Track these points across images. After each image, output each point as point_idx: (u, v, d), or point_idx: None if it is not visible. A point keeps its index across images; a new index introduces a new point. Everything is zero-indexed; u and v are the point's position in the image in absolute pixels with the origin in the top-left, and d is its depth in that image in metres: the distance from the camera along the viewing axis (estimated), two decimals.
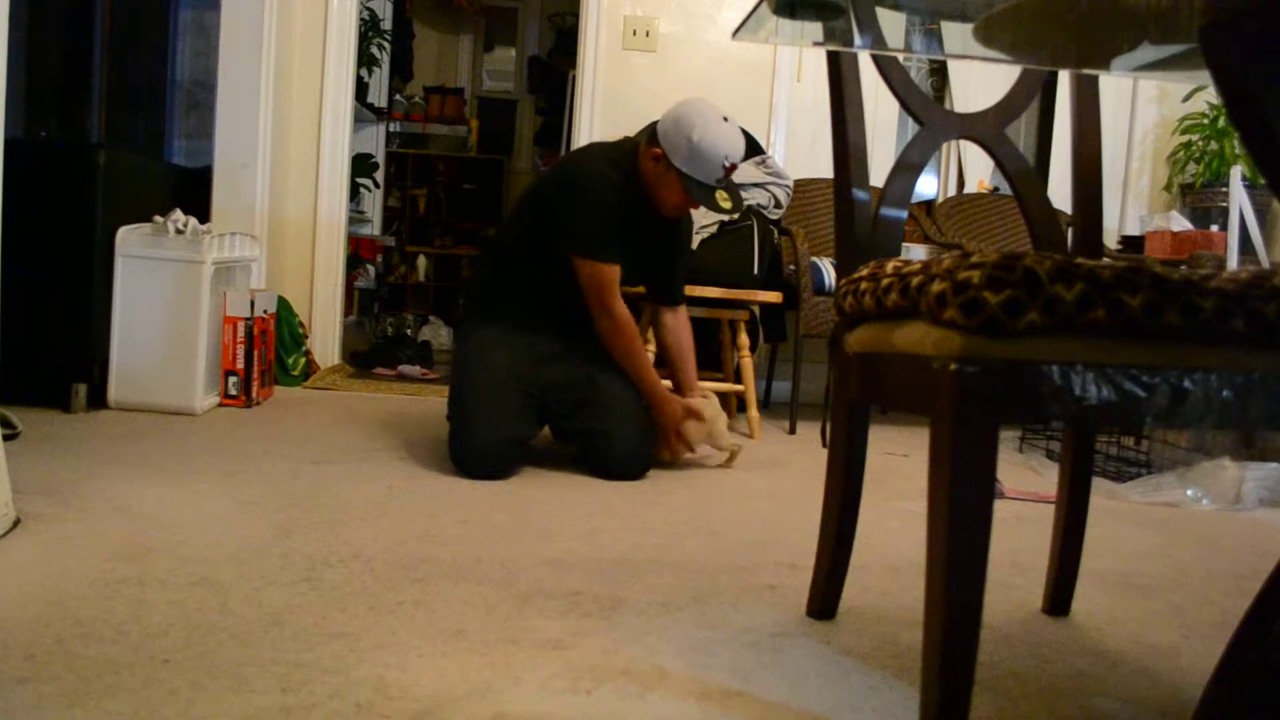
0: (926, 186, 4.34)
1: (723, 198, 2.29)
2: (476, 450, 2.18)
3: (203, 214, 3.20)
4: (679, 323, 2.56)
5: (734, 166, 2.27)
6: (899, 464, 2.70)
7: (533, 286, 2.39)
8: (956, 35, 1.15)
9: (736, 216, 2.52)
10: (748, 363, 3.03)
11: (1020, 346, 0.91)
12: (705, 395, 2.44)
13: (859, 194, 1.35)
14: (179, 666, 1.09)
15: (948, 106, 4.00)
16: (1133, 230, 3.97)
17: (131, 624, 1.20)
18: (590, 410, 2.27)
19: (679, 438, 2.36)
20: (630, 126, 3.62)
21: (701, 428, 2.38)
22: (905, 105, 1.39)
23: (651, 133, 2.33)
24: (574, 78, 4.01)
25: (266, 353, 3.07)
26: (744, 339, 3.05)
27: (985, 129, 1.42)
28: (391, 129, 6.10)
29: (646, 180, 2.31)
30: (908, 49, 1.27)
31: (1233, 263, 3.07)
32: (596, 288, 2.29)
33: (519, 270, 2.41)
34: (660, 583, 1.52)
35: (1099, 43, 1.11)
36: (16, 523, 1.57)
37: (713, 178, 2.25)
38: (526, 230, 2.41)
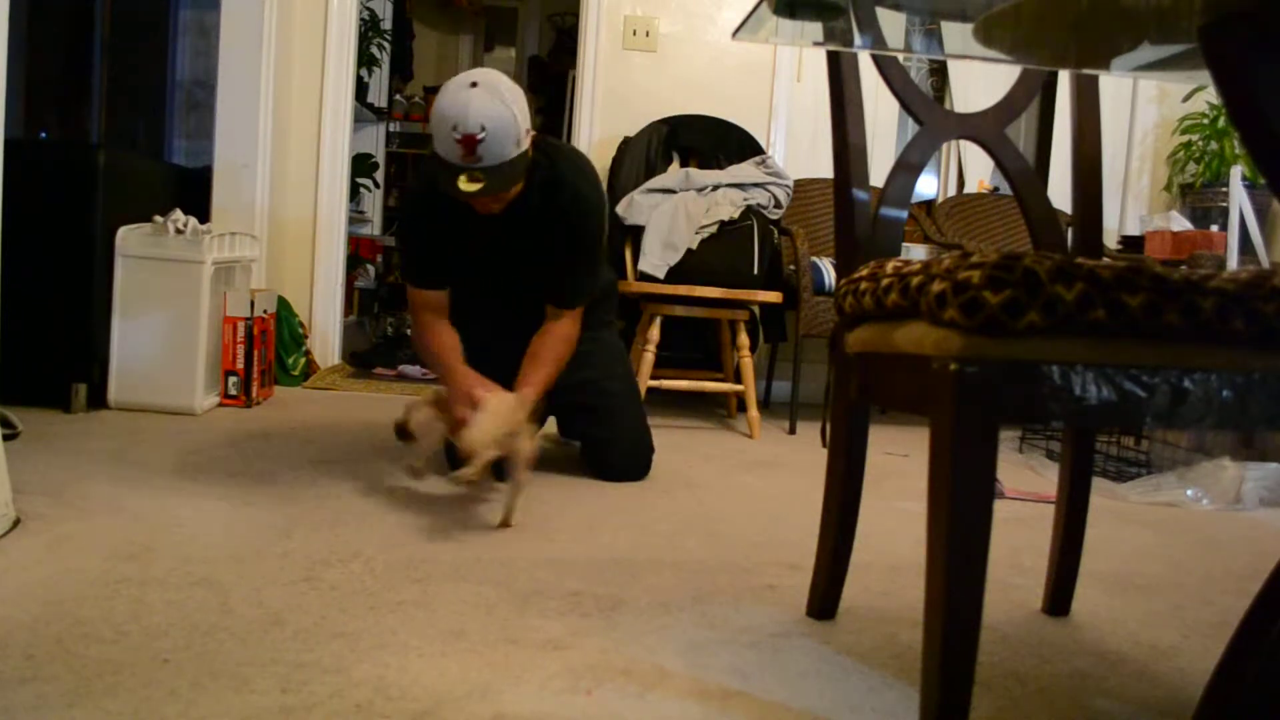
0: (926, 186, 4.34)
1: (468, 180, 1.88)
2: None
3: (203, 214, 3.20)
4: (554, 326, 2.14)
5: (469, 136, 1.84)
6: (899, 464, 2.70)
7: (462, 301, 2.22)
8: (956, 35, 1.15)
9: (476, 189, 1.91)
10: (747, 363, 3.03)
11: (1020, 346, 0.91)
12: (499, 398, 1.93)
13: (859, 194, 1.35)
14: (179, 666, 1.09)
15: (948, 106, 4.00)
16: (1133, 230, 3.97)
17: (131, 624, 1.20)
18: (592, 416, 2.27)
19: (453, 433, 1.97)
20: (630, 127, 3.63)
21: (480, 427, 1.82)
22: (905, 105, 1.39)
23: None
24: (574, 78, 4.01)
25: (266, 353, 3.07)
26: (744, 339, 3.05)
27: (985, 129, 1.42)
28: (391, 129, 6.09)
29: None
30: (908, 49, 1.27)
31: (1233, 263, 3.07)
32: (410, 309, 2.19)
33: (461, 298, 2.24)
34: (660, 583, 1.52)
35: (1099, 43, 1.11)
36: (16, 523, 1.57)
37: (454, 155, 1.87)
38: None
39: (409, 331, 5.31)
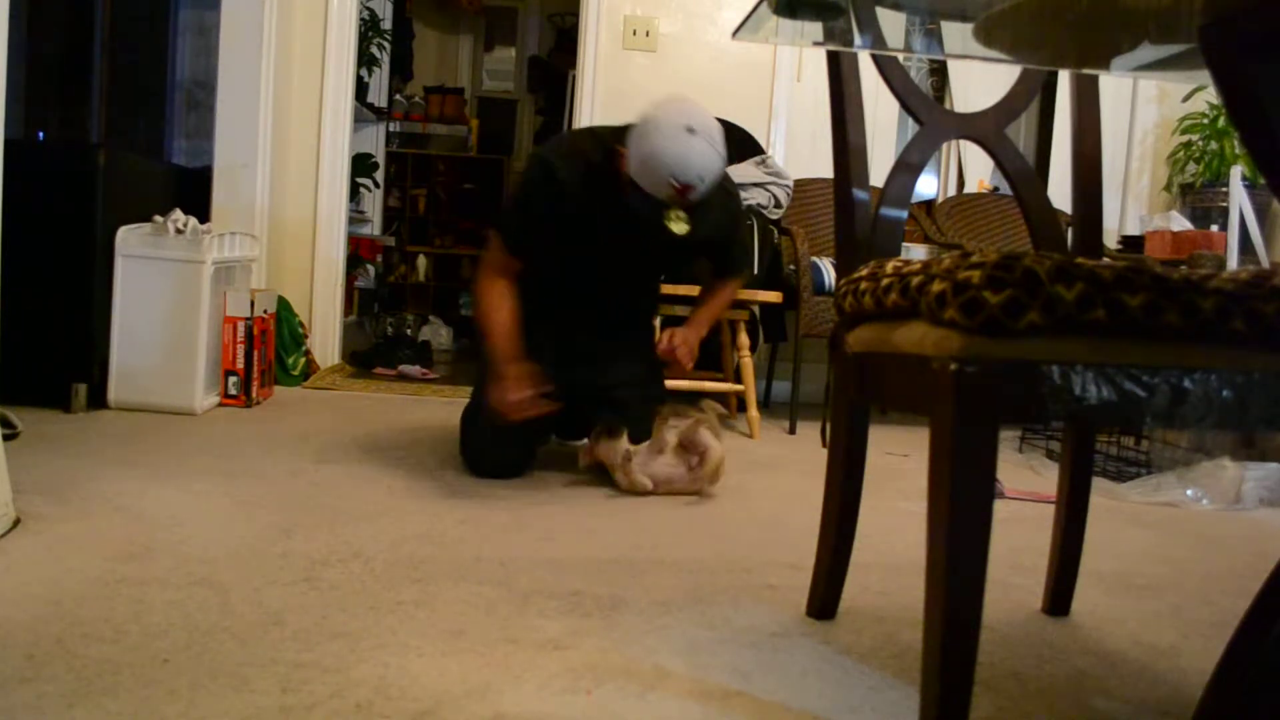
0: (926, 186, 4.34)
1: (674, 218, 2.03)
2: (490, 455, 2.19)
3: (203, 214, 3.20)
4: (723, 284, 2.48)
5: (687, 186, 1.98)
6: (899, 464, 2.70)
7: (532, 277, 2.31)
8: (956, 35, 1.15)
9: (685, 231, 2.07)
10: (747, 363, 3.03)
11: (1020, 346, 0.91)
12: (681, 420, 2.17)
13: (859, 194, 1.35)
14: (179, 666, 1.09)
15: (948, 106, 4.00)
16: (1133, 230, 3.97)
17: (131, 624, 1.20)
18: (603, 415, 2.27)
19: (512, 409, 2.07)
20: None
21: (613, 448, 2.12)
22: (905, 105, 1.39)
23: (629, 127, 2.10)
24: (574, 78, 4.01)
25: (266, 353, 3.07)
26: (744, 339, 3.05)
27: (985, 129, 1.42)
28: (391, 129, 6.09)
29: (623, 176, 2.07)
30: (908, 49, 1.27)
31: (1233, 263, 3.07)
32: (482, 261, 2.24)
33: (540, 274, 2.31)
34: (660, 583, 1.52)
35: (1099, 43, 1.11)
36: (16, 523, 1.57)
37: (663, 195, 2.00)
38: None
39: (409, 331, 5.33)
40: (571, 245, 2.23)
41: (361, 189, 5.20)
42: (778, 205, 3.19)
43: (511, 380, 2.06)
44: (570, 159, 2.17)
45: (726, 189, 2.28)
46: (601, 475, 2.23)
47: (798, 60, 3.85)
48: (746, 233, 2.55)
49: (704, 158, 1.97)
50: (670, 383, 2.99)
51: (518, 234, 2.21)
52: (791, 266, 3.25)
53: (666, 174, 1.96)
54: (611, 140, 2.13)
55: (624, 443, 2.13)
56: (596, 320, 2.34)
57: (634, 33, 3.77)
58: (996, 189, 4.18)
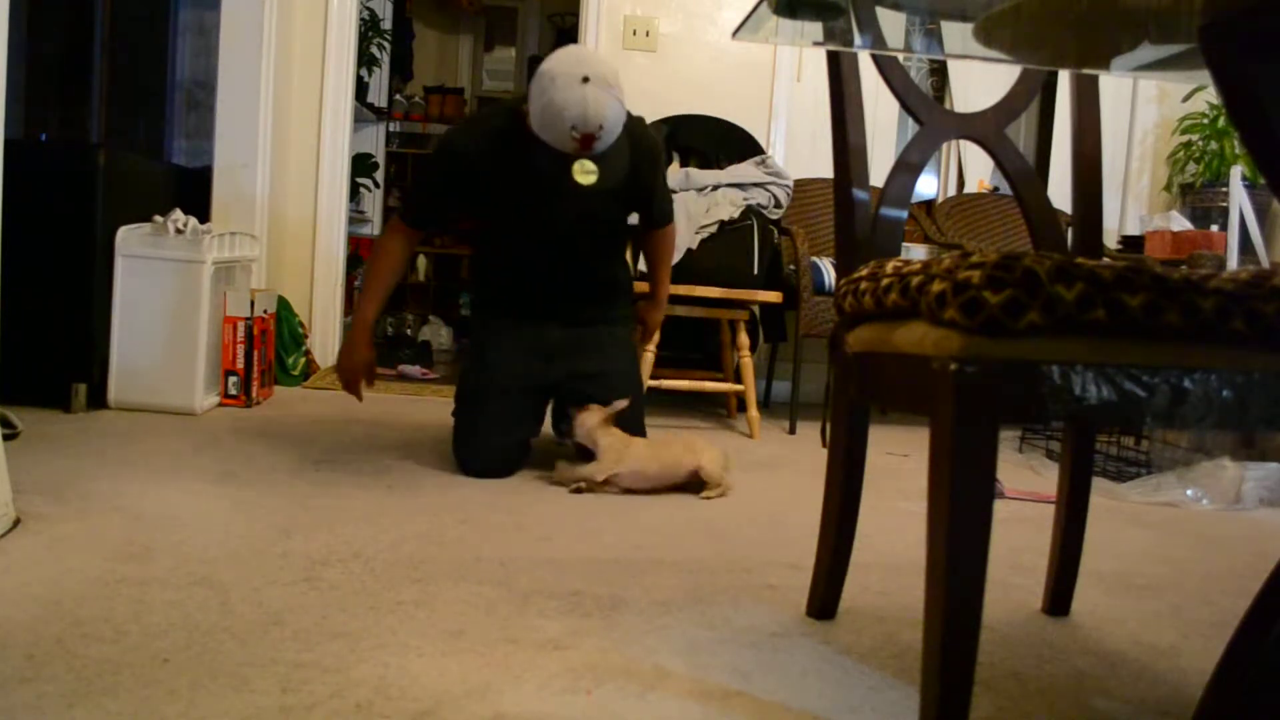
0: (926, 186, 4.34)
1: (581, 170, 2.08)
2: (481, 451, 2.20)
3: (203, 214, 3.20)
4: (659, 236, 2.53)
5: (589, 136, 1.98)
6: (899, 464, 2.70)
7: (509, 267, 2.36)
8: (956, 35, 1.15)
9: (593, 180, 2.11)
10: (747, 363, 3.03)
11: (1020, 346, 0.91)
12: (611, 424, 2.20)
13: (859, 194, 1.35)
14: (179, 666, 1.09)
15: (948, 106, 4.00)
16: (1133, 230, 3.97)
17: (131, 624, 1.20)
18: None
19: None
20: None
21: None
22: (905, 105, 1.39)
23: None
24: None
25: (266, 353, 3.06)
26: (744, 339, 3.05)
27: (985, 129, 1.42)
28: (391, 129, 6.09)
29: (529, 134, 2.09)
30: (908, 49, 1.27)
31: (1233, 263, 3.07)
32: (386, 227, 2.47)
33: (494, 256, 2.41)
34: (660, 583, 1.52)
35: (1099, 43, 1.11)
36: (16, 523, 1.57)
37: (567, 147, 2.01)
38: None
39: (409, 331, 5.33)
40: (501, 213, 2.28)
41: (361, 189, 5.20)
42: (778, 205, 3.19)
43: (350, 352, 2.28)
44: (469, 131, 2.28)
45: (633, 130, 2.24)
46: None
47: (798, 60, 3.85)
48: (664, 175, 2.54)
49: (602, 105, 1.96)
50: (670, 383, 3.01)
51: (415, 209, 2.37)
52: (791, 266, 3.25)
53: (567, 126, 1.96)
54: (516, 104, 2.17)
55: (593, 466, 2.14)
56: (563, 301, 2.34)
57: (634, 33, 3.77)
58: (996, 189, 4.18)
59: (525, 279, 2.35)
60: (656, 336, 2.66)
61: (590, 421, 2.18)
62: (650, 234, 2.53)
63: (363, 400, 2.38)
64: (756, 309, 3.24)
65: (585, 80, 1.95)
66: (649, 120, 3.52)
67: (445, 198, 2.30)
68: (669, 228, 2.56)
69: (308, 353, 3.60)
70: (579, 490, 2.10)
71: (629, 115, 2.28)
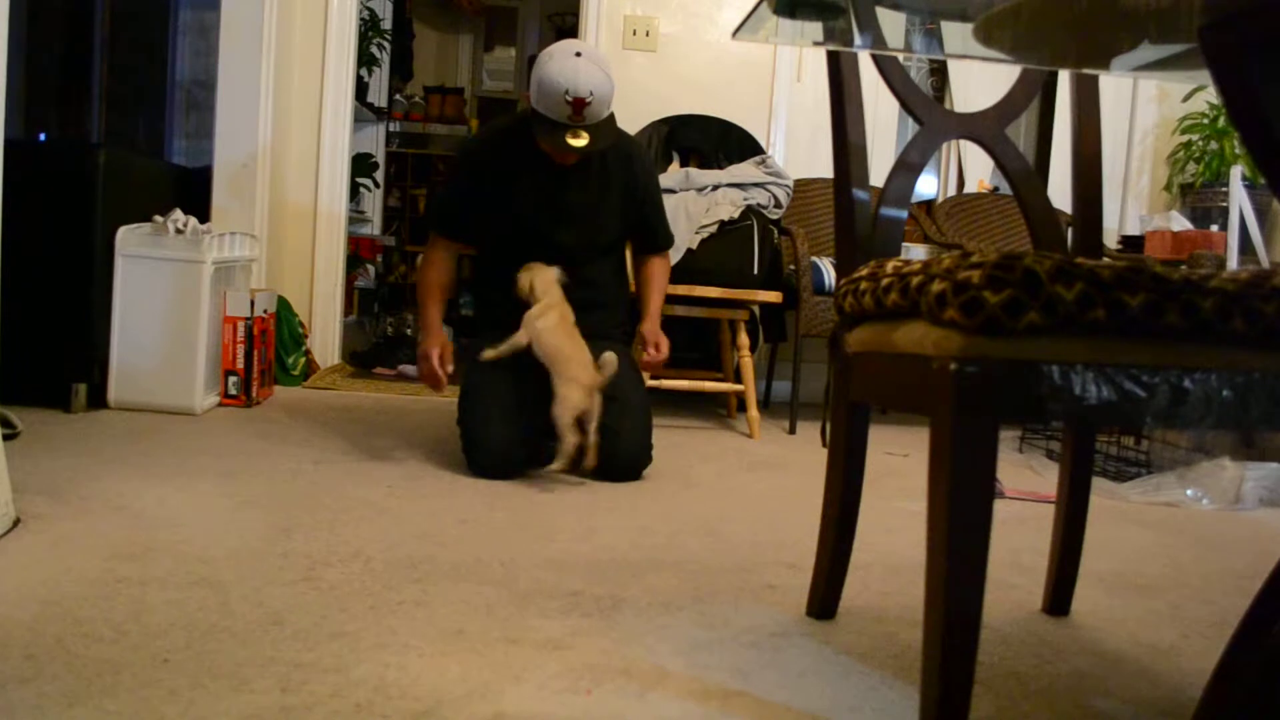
0: (926, 186, 4.34)
1: (574, 136, 2.22)
2: (490, 450, 2.20)
3: (203, 214, 3.20)
4: (654, 262, 2.58)
5: (579, 100, 2.17)
6: (899, 464, 2.70)
7: (510, 279, 2.36)
8: (956, 35, 1.15)
9: (584, 144, 2.23)
10: (747, 362, 3.03)
11: (1020, 346, 0.91)
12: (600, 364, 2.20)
13: (859, 194, 1.35)
14: (179, 666, 1.09)
15: (948, 106, 4.00)
16: (1133, 230, 3.97)
17: (131, 624, 1.20)
18: (604, 410, 2.26)
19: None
20: (630, 126, 3.61)
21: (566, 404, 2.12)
22: (905, 105, 1.39)
23: None
24: None
25: (266, 352, 3.07)
26: (744, 339, 3.05)
27: (985, 129, 1.42)
28: (391, 129, 6.09)
29: (530, 114, 2.29)
30: (908, 49, 1.27)
31: (1233, 263, 3.07)
32: (428, 244, 2.54)
33: (496, 268, 2.41)
34: (660, 583, 1.52)
35: (1099, 43, 1.11)
36: (16, 523, 1.57)
37: (561, 115, 2.20)
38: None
39: (409, 331, 5.33)
40: (521, 211, 2.36)
41: (361, 189, 5.20)
42: (778, 205, 3.19)
43: (425, 354, 2.38)
44: (482, 134, 2.47)
45: (633, 152, 2.48)
46: (602, 475, 2.23)
47: (798, 60, 3.85)
48: (663, 203, 2.64)
49: (593, 75, 2.19)
50: (670, 383, 3.00)
51: (441, 214, 2.51)
52: (791, 266, 3.25)
53: (560, 91, 2.17)
54: (526, 110, 2.34)
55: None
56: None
57: (634, 33, 3.77)
58: (996, 189, 4.18)
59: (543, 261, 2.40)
60: (665, 348, 2.51)
61: (541, 278, 2.25)
62: (647, 260, 2.58)
63: (444, 388, 2.42)
64: (756, 309, 3.23)
65: (578, 55, 2.20)
66: (649, 121, 3.56)
67: (467, 200, 2.40)
68: (666, 256, 2.63)
69: (308, 353, 3.60)
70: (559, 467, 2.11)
71: (629, 138, 2.50)
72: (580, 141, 2.23)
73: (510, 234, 2.38)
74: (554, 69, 2.18)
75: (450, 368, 2.38)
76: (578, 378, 2.14)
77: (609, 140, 2.30)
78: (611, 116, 2.29)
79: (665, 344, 2.49)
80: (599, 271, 2.47)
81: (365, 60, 4.87)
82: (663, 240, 2.61)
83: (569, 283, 2.32)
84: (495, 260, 2.42)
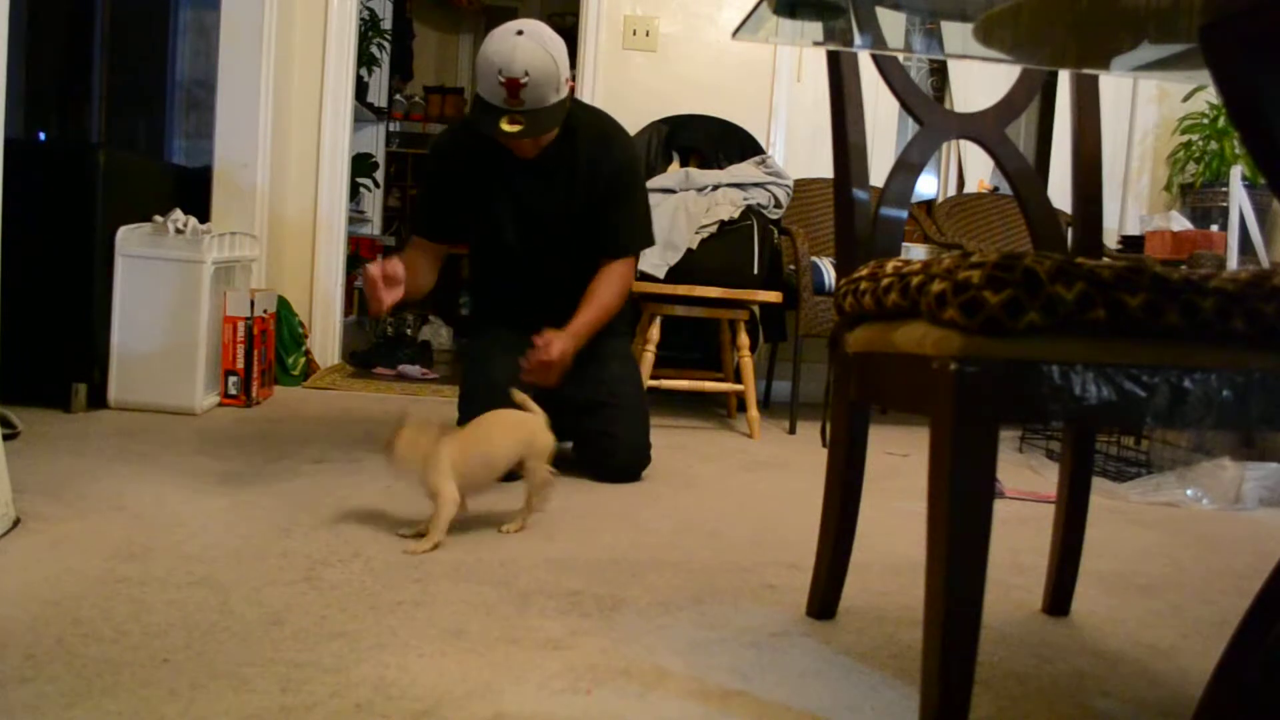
0: (926, 186, 4.34)
1: (507, 122, 2.02)
2: None
3: (203, 214, 3.20)
4: (608, 271, 2.25)
5: (513, 80, 1.98)
6: (899, 464, 2.70)
7: (498, 277, 2.36)
8: (956, 35, 1.15)
9: (516, 130, 2.03)
10: (747, 362, 3.03)
11: (1020, 346, 0.91)
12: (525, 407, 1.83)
13: (859, 194, 1.35)
14: (179, 666, 1.09)
15: (948, 106, 4.00)
16: (1133, 230, 3.97)
17: (131, 624, 1.20)
18: (600, 413, 2.26)
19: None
20: (630, 126, 3.61)
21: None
22: (905, 105, 1.39)
23: None
24: (574, 77, 4.01)
25: (266, 352, 3.07)
26: (744, 339, 3.05)
27: (985, 129, 1.42)
28: (391, 129, 6.09)
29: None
30: (908, 49, 1.27)
31: (1233, 263, 3.07)
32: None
33: (485, 267, 2.41)
34: (660, 583, 1.52)
35: (1099, 43, 1.11)
36: (16, 523, 1.57)
37: (497, 97, 2.02)
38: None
39: (409, 331, 5.33)
40: (494, 208, 2.27)
41: (361, 189, 5.20)
42: (778, 205, 3.19)
43: (365, 268, 1.95)
44: (448, 130, 2.36)
45: (607, 136, 2.25)
46: (600, 477, 2.23)
47: (798, 60, 3.85)
48: (645, 204, 2.35)
49: (530, 53, 2.00)
50: (669, 383, 3.00)
51: (426, 218, 2.36)
52: (791, 266, 3.25)
53: (494, 72, 2.00)
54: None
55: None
56: (554, 311, 2.22)
57: (634, 32, 3.77)
58: (996, 189, 4.18)
59: (515, 289, 2.36)
60: (550, 373, 2.08)
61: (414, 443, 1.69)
62: (601, 263, 2.26)
63: (384, 311, 1.95)
64: (756, 309, 3.24)
65: (519, 33, 2.02)
66: (648, 121, 3.56)
67: (441, 199, 2.31)
68: (625, 264, 2.29)
69: (308, 352, 3.60)
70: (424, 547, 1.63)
71: (619, 130, 2.32)
72: (514, 128, 2.03)
73: (491, 235, 2.30)
74: (490, 49, 2.01)
75: (399, 290, 1.95)
76: (504, 435, 1.78)
77: (547, 127, 2.09)
78: (560, 103, 2.07)
79: (558, 353, 2.07)
80: (585, 264, 2.29)
81: (365, 60, 4.87)
82: (624, 241, 2.28)
83: (567, 299, 2.22)
84: (486, 260, 2.39)
